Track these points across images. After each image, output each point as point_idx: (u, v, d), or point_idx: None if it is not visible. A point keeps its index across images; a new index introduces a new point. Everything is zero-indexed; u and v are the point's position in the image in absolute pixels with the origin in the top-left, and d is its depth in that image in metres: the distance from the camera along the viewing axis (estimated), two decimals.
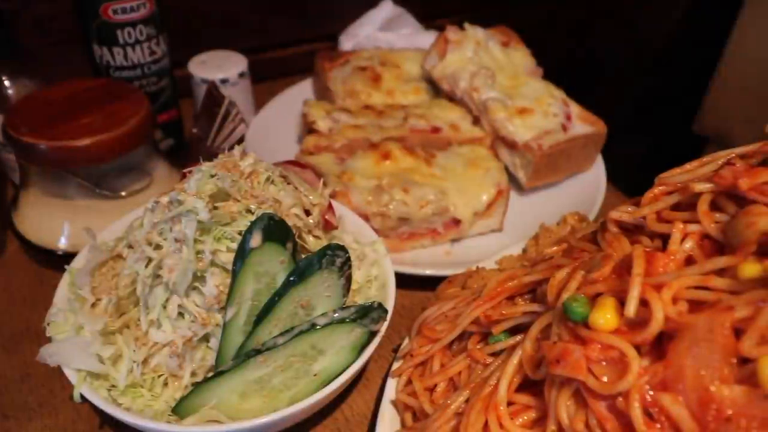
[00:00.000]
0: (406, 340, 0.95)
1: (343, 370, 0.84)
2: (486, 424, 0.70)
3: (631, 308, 0.61)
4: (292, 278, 0.80)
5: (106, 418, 0.96)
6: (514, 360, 0.72)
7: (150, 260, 0.83)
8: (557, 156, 1.37)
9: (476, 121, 1.44)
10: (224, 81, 1.43)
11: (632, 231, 0.76)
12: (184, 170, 0.91)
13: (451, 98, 1.49)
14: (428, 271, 1.16)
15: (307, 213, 0.97)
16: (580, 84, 1.56)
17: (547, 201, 1.40)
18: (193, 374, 0.86)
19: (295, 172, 1.03)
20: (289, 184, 0.96)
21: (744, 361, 0.54)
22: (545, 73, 1.54)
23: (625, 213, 0.75)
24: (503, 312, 0.80)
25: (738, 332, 0.55)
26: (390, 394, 0.90)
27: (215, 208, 0.81)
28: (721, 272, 0.59)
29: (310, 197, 0.98)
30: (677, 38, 1.75)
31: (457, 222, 1.26)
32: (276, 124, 1.53)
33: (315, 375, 0.85)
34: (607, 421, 0.60)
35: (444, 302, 0.94)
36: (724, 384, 0.54)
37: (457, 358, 0.84)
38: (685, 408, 0.55)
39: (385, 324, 0.87)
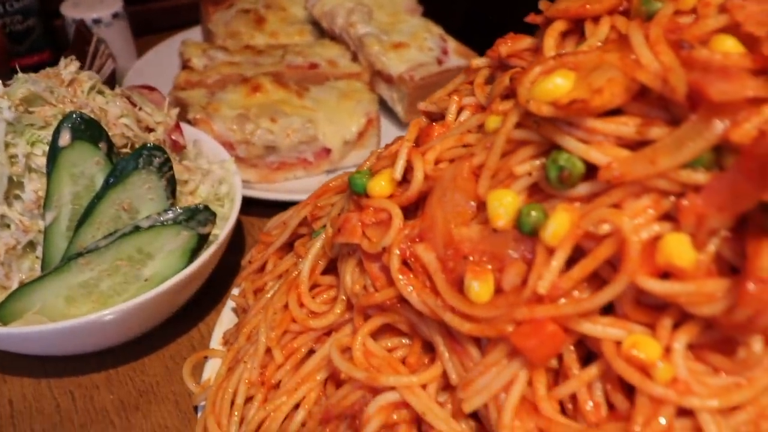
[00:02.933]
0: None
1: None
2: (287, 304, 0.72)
3: (397, 170, 0.64)
4: (110, 179, 0.81)
5: None
6: (317, 244, 0.74)
7: None
8: (431, 88, 1.39)
9: (354, 57, 1.45)
10: (97, 21, 1.41)
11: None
12: None
13: (332, 37, 1.51)
14: (285, 197, 1.17)
15: (150, 130, 0.97)
16: None
17: None
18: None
19: (142, 93, 1.03)
20: (129, 101, 0.96)
21: (484, 205, 0.57)
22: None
23: (430, 104, 0.78)
24: (318, 205, 0.82)
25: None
26: (232, 303, 0.92)
27: (29, 112, 0.81)
28: (478, 130, 0.62)
29: (153, 116, 0.98)
30: None
31: (327, 151, 1.27)
32: (158, 68, 1.51)
33: (146, 280, 0.86)
34: (377, 279, 0.63)
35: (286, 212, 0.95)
36: (464, 226, 0.57)
37: (286, 257, 0.86)
38: (433, 253, 0.58)
39: (229, 232, 0.88)
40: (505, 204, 0.53)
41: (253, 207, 1.20)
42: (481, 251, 0.55)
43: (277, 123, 1.22)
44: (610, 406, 0.52)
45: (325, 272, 0.75)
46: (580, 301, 0.49)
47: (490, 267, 0.54)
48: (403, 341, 0.64)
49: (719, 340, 0.49)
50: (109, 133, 0.85)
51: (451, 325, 0.55)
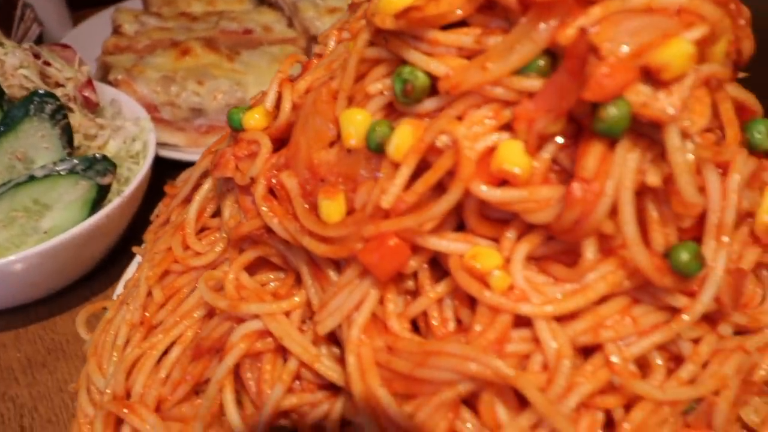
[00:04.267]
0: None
1: None
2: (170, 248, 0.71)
3: (267, 101, 0.63)
4: (0, 127, 0.79)
5: None
6: (205, 186, 0.73)
7: None
8: None
9: (290, 23, 1.44)
10: None
11: None
12: None
13: (270, 4, 1.49)
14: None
15: (60, 86, 0.96)
16: None
17: None
18: None
19: (53, 50, 1.02)
20: (37, 57, 0.95)
21: None
22: None
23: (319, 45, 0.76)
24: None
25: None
26: (139, 257, 0.91)
27: None
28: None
29: (63, 71, 0.97)
30: None
31: None
32: (92, 38, 1.49)
33: (45, 232, 0.84)
34: (248, 211, 0.62)
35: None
36: (324, 150, 0.56)
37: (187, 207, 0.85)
38: (296, 179, 0.57)
39: (138, 186, 0.87)
40: (355, 123, 0.53)
41: (183, 171, 1.19)
42: (337, 173, 0.55)
43: (204, 85, 1.21)
44: (459, 323, 0.52)
45: (215, 215, 0.74)
46: (420, 213, 0.49)
47: (342, 188, 0.53)
48: (279, 275, 0.63)
49: (561, 251, 0.49)
50: (5, 84, 0.83)
51: (309, 249, 0.55)
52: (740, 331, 0.56)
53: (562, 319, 0.49)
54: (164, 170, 1.17)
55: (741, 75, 0.59)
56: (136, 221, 0.99)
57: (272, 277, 0.63)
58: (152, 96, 1.18)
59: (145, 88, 1.18)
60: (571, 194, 0.44)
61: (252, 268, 0.64)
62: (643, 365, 0.52)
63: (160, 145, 1.18)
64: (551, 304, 0.47)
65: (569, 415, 0.47)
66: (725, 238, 0.49)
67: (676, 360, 0.53)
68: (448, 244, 0.50)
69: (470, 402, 0.50)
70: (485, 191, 0.47)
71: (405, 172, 0.50)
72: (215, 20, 1.41)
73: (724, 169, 0.51)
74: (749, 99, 0.56)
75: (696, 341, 0.52)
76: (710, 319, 0.53)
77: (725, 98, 0.53)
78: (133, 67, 1.22)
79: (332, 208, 0.53)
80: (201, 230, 0.73)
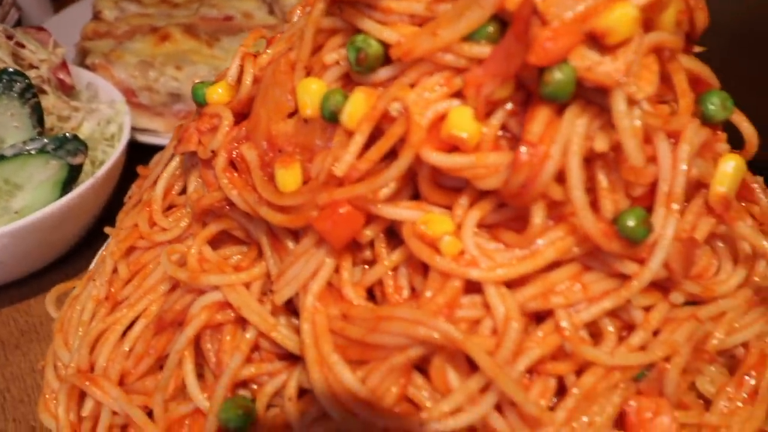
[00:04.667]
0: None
1: None
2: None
3: (229, 75, 0.63)
4: None
5: None
6: (173, 164, 0.73)
7: None
8: None
9: (271, 10, 1.44)
10: None
11: None
12: None
13: None
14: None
15: (34, 68, 0.96)
16: None
17: None
18: None
19: (27, 32, 1.02)
20: (10, 39, 0.94)
21: None
22: None
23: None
24: None
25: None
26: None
27: None
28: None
29: (37, 53, 0.97)
30: None
31: None
32: (74, 25, 1.49)
33: (16, 212, 0.84)
34: (211, 185, 0.62)
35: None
36: (283, 121, 0.56)
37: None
38: (255, 151, 0.57)
39: (111, 167, 0.87)
40: (311, 92, 0.53)
41: None
42: (294, 144, 0.55)
43: (182, 71, 1.21)
44: (414, 291, 0.52)
45: (182, 193, 0.74)
46: (372, 180, 0.49)
47: (299, 158, 0.54)
48: (242, 249, 0.63)
49: (512, 218, 0.50)
50: None
51: (266, 219, 0.55)
52: (695, 302, 0.57)
53: (512, 285, 0.49)
54: (143, 156, 1.16)
55: (697, 49, 0.59)
56: (112, 205, 0.99)
57: (235, 251, 0.63)
58: (130, 81, 1.18)
59: (123, 73, 1.18)
60: (517, 158, 0.45)
61: (216, 243, 0.64)
62: (595, 333, 0.53)
63: (139, 130, 1.18)
64: (500, 269, 0.47)
65: (519, 379, 0.48)
66: (675, 206, 0.50)
67: (628, 328, 0.53)
68: (401, 211, 0.51)
69: (423, 369, 0.51)
70: (435, 157, 0.47)
71: (358, 140, 0.50)
72: (196, 7, 1.41)
73: (676, 138, 0.52)
74: (704, 71, 0.57)
75: (648, 309, 0.53)
76: (662, 287, 0.53)
77: (678, 69, 0.54)
78: (111, 52, 1.22)
79: (288, 177, 0.53)
80: (169, 208, 0.73)
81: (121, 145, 0.95)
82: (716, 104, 0.55)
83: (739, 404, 0.57)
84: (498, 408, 0.48)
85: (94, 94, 1.07)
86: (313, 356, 0.50)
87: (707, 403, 0.58)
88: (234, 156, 0.60)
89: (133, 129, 1.15)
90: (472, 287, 0.49)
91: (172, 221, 0.70)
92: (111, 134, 1.00)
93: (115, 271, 0.69)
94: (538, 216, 0.47)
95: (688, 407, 0.55)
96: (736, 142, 0.60)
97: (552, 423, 0.47)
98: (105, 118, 1.00)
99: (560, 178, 0.48)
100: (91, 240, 1.00)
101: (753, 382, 0.57)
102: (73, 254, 1.00)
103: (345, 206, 0.50)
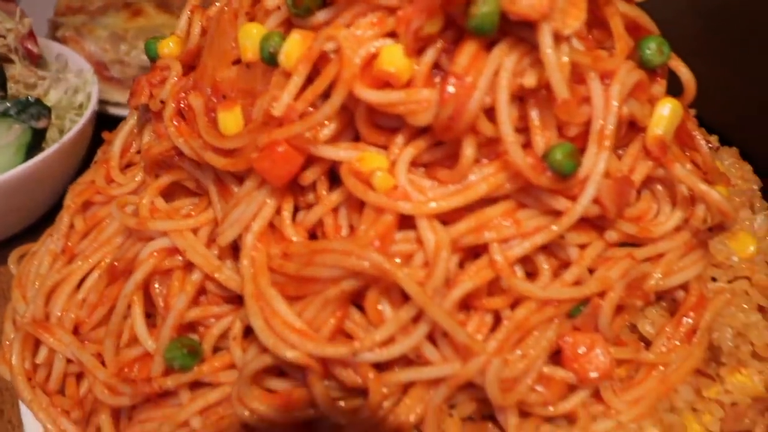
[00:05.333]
0: None
1: None
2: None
3: (179, 27, 0.64)
4: None
5: None
6: (131, 121, 0.74)
7: None
8: None
9: None
10: None
11: None
12: None
13: None
14: None
15: (1, 36, 0.97)
16: None
17: None
18: None
19: None
20: None
21: None
22: None
23: None
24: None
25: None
26: None
27: None
28: None
29: (3, 23, 0.97)
30: None
31: None
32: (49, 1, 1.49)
33: None
34: (161, 136, 0.63)
35: None
36: (226, 68, 0.57)
37: None
38: (201, 98, 0.58)
39: (76, 134, 0.87)
40: (251, 37, 0.54)
41: None
42: (238, 89, 0.56)
43: None
44: (353, 230, 0.53)
45: (140, 151, 0.74)
46: (308, 118, 0.50)
47: (241, 102, 0.55)
48: (195, 201, 0.64)
49: (447, 156, 0.51)
50: None
51: (211, 164, 0.56)
52: (634, 245, 0.58)
53: (446, 221, 0.50)
54: (114, 129, 1.17)
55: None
56: (81, 174, 1.00)
57: (188, 203, 0.64)
58: (100, 54, 1.18)
59: (94, 46, 1.18)
60: (443, 89, 0.46)
61: (169, 196, 0.65)
62: (532, 272, 0.54)
63: (111, 104, 1.19)
64: (432, 202, 0.48)
65: (451, 310, 0.49)
66: (607, 143, 0.51)
67: (565, 267, 0.54)
68: (340, 152, 0.51)
69: (362, 307, 0.52)
70: (367, 93, 0.48)
71: (296, 81, 0.51)
72: None
73: (611, 80, 0.53)
74: (642, 17, 0.58)
75: (583, 248, 0.54)
76: (598, 227, 0.55)
77: (614, 14, 0.55)
78: (83, 26, 1.22)
79: (229, 119, 0.54)
80: (127, 166, 0.74)
81: (88, 112, 0.96)
82: (653, 49, 0.56)
83: (677, 343, 0.58)
84: (431, 339, 0.49)
85: (64, 65, 1.08)
86: (251, 291, 0.51)
87: (649, 345, 0.60)
88: (182, 106, 0.60)
89: (105, 102, 1.16)
90: (407, 223, 0.50)
91: (128, 177, 0.71)
92: (79, 103, 1.01)
93: (72, 226, 0.70)
94: (468, 149, 0.48)
95: (626, 345, 0.57)
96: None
97: (483, 352, 0.48)
98: (72, 87, 1.00)
99: (492, 116, 0.49)
100: (58, 210, 1.00)
101: (691, 322, 0.59)
102: (42, 224, 1.01)
103: (283, 145, 0.51)
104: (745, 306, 0.62)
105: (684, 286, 0.60)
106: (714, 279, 0.64)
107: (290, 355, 0.48)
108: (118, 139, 0.73)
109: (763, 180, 0.77)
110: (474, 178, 0.49)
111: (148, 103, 0.64)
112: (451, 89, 0.46)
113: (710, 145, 0.73)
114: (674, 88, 0.61)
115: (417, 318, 0.48)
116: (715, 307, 0.59)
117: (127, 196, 0.65)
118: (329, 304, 0.49)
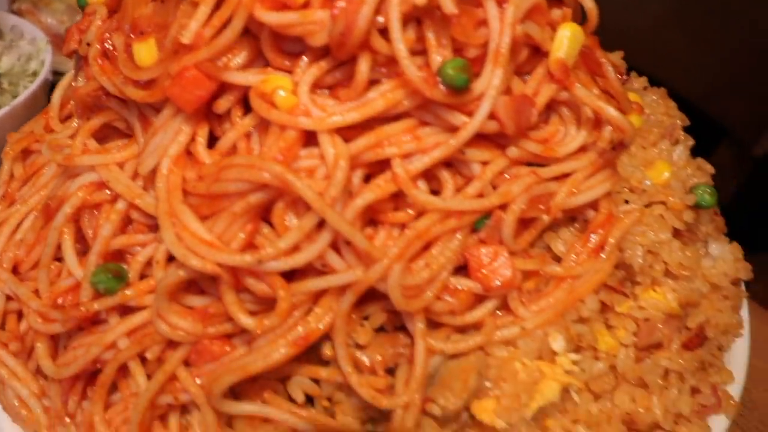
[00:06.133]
0: None
1: None
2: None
3: None
4: None
5: None
6: (70, 73, 0.76)
7: None
8: None
9: None
10: None
11: None
12: None
13: None
14: None
15: None
16: None
17: None
18: None
19: None
20: None
21: None
22: None
23: None
24: None
25: None
26: None
27: None
28: None
29: None
30: None
31: None
32: None
33: None
34: (90, 78, 0.65)
35: None
36: (144, 5, 0.60)
37: None
38: (122, 37, 0.61)
39: (25, 100, 0.89)
40: None
41: None
42: (154, 24, 0.58)
43: None
44: None
45: None
46: (212, 44, 0.52)
47: (155, 35, 0.57)
48: (125, 142, 0.67)
49: (349, 76, 0.53)
50: None
51: (132, 98, 0.58)
52: (543, 166, 0.61)
53: (348, 138, 0.53)
54: None
55: None
56: None
57: (120, 144, 0.66)
58: (58, 26, 1.20)
59: (51, 18, 1.20)
60: (334, 6, 0.48)
61: (103, 139, 0.67)
62: (438, 190, 0.57)
63: None
64: (332, 117, 0.51)
65: (353, 219, 0.51)
66: (501, 59, 0.53)
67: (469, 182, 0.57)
68: (249, 76, 0.54)
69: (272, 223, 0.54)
70: (266, 15, 0.50)
71: (203, 9, 0.53)
72: None
73: (507, 3, 0.55)
74: None
75: (486, 164, 0.57)
76: (500, 144, 0.57)
77: None
78: (39, 1, 1.24)
79: (144, 51, 0.56)
80: (68, 117, 0.76)
81: (40, 77, 0.98)
82: None
83: (585, 258, 0.61)
84: (335, 248, 0.52)
85: (19, 36, 1.10)
86: (164, 209, 0.53)
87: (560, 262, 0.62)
88: (107, 47, 0.63)
89: (62, 74, 1.18)
90: (311, 141, 0.53)
91: (66, 125, 0.73)
92: (33, 71, 1.03)
93: (12, 175, 0.73)
94: (363, 64, 0.51)
95: (533, 258, 0.59)
96: None
97: (384, 256, 0.51)
98: (26, 55, 1.02)
99: (387, 36, 0.52)
100: None
101: (598, 238, 0.61)
102: None
103: (191, 71, 0.53)
104: (657, 226, 0.65)
105: (594, 206, 0.63)
106: (627, 202, 0.67)
107: (196, 263, 0.50)
108: (58, 90, 0.76)
109: (742, 143, 0.79)
110: (373, 95, 0.52)
111: (78, 49, 0.66)
112: (342, 4, 0.48)
113: (624, 78, 0.75)
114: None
115: (320, 227, 0.51)
116: (624, 225, 0.62)
117: (61, 139, 0.67)
118: (238, 218, 0.52)
